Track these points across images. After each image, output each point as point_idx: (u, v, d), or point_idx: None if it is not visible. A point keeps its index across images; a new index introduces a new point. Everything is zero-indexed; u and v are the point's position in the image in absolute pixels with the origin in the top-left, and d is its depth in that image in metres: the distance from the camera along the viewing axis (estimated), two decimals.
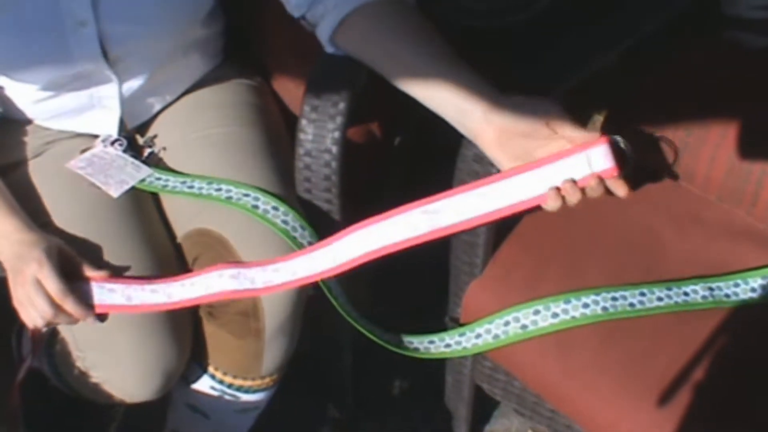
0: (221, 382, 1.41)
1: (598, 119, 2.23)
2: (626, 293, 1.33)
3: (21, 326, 1.52)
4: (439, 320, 1.50)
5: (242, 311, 1.33)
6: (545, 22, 2.01)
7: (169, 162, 1.45)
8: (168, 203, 1.45)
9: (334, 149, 1.31)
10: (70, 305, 1.21)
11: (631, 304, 1.32)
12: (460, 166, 1.31)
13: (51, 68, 1.33)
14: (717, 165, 1.46)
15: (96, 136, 1.46)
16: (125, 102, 1.43)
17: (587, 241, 1.42)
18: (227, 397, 1.43)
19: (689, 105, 1.52)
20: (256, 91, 1.56)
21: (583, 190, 1.14)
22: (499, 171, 1.20)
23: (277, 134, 1.50)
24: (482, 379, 1.55)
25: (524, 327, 1.33)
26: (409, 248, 1.22)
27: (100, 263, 1.28)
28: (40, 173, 1.41)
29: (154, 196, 1.45)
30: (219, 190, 1.35)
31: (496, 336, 1.35)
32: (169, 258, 1.38)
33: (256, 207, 1.33)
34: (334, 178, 1.34)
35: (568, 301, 1.33)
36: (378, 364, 1.86)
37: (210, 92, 1.53)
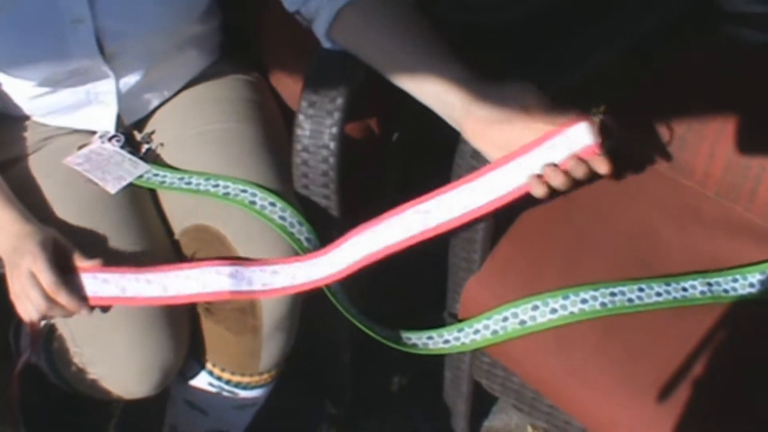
0: (219, 378, 1.41)
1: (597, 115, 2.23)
2: (625, 289, 1.33)
3: (19, 322, 1.52)
4: (438, 316, 1.50)
5: (240, 308, 1.33)
6: (545, 21, 2.01)
7: (167, 158, 1.45)
8: (165, 199, 1.44)
9: (332, 145, 1.31)
10: (62, 298, 1.20)
11: (630, 300, 1.32)
12: (458, 161, 1.31)
13: (48, 64, 1.33)
14: (715, 161, 1.46)
15: (93, 133, 1.46)
16: (122, 98, 1.43)
17: (585, 237, 1.42)
18: (225, 394, 1.42)
19: (688, 101, 1.52)
20: (254, 87, 1.56)
21: (567, 172, 1.14)
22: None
23: (274, 130, 1.50)
24: (481, 374, 1.55)
25: (522, 323, 1.33)
26: (406, 249, 1.22)
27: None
28: (37, 169, 1.41)
29: (152, 193, 1.45)
30: (216, 186, 1.35)
31: (494, 332, 1.35)
32: (167, 254, 1.37)
33: (253, 203, 1.33)
34: (332, 174, 1.34)
35: (566, 297, 1.32)
36: (376, 361, 1.85)
37: (207, 88, 1.53)
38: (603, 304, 1.31)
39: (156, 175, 1.40)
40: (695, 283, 1.34)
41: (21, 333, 1.52)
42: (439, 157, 1.38)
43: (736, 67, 1.56)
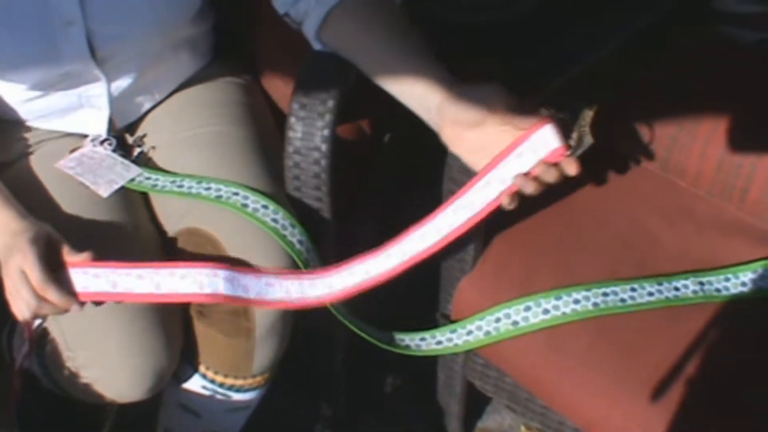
0: (212, 381, 1.41)
1: (589, 114, 2.24)
2: (617, 289, 1.33)
3: (12, 326, 1.52)
4: (431, 317, 1.50)
5: (233, 310, 1.32)
6: (538, 21, 2.01)
7: (159, 161, 1.45)
8: (158, 203, 1.44)
9: (324, 147, 1.31)
10: (50, 294, 1.18)
11: (622, 300, 1.32)
12: (450, 162, 1.31)
13: (39, 67, 1.33)
14: (707, 160, 1.46)
15: (85, 136, 1.46)
16: (114, 101, 1.43)
17: (578, 237, 1.43)
18: (219, 397, 1.42)
19: (680, 101, 1.52)
20: (246, 89, 1.56)
21: (537, 178, 1.13)
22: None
23: (266, 132, 1.50)
24: (474, 375, 1.55)
25: (515, 323, 1.33)
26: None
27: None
28: (29, 173, 1.40)
29: (144, 196, 1.45)
30: (208, 189, 1.35)
31: (487, 332, 1.35)
32: (159, 257, 1.37)
33: (245, 206, 1.32)
34: (324, 176, 1.34)
35: (559, 297, 1.33)
36: (370, 362, 1.85)
37: (199, 91, 1.53)
38: (595, 305, 1.31)
39: (148, 178, 1.40)
40: (687, 282, 1.35)
41: (14, 337, 1.52)
42: (431, 157, 1.38)
43: (728, 66, 1.56)
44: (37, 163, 1.42)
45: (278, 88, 1.59)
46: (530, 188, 1.14)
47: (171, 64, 1.49)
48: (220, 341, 1.36)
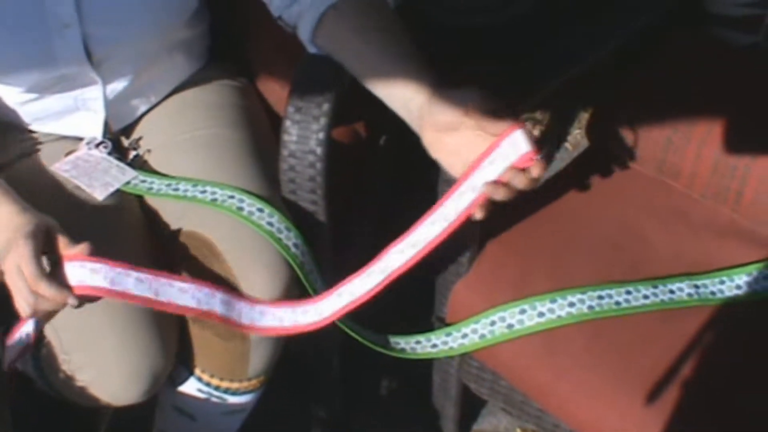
0: (208, 384, 1.40)
1: (584, 116, 2.24)
2: (612, 292, 1.34)
3: (5, 331, 1.51)
4: (426, 320, 1.50)
5: None
6: (533, 23, 2.01)
7: (154, 164, 1.45)
8: (153, 206, 1.44)
9: (319, 150, 1.31)
10: (42, 288, 1.14)
11: (617, 303, 1.33)
12: None
13: (35, 70, 1.33)
14: (702, 162, 1.46)
15: (81, 139, 1.45)
16: (110, 104, 1.43)
17: (573, 240, 1.43)
18: (214, 400, 1.42)
19: (674, 103, 1.52)
20: (242, 92, 1.56)
21: (507, 184, 1.12)
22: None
23: (262, 135, 1.50)
24: (469, 378, 1.55)
25: (510, 326, 1.33)
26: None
27: None
28: (25, 176, 1.40)
29: (140, 199, 1.45)
30: (204, 192, 1.35)
31: (482, 336, 1.36)
32: (155, 261, 1.37)
33: (241, 209, 1.32)
34: (319, 179, 1.34)
35: (554, 300, 1.33)
36: (365, 365, 1.85)
37: (195, 93, 1.53)
38: (590, 308, 1.32)
39: (143, 181, 1.40)
40: (682, 285, 1.35)
41: (4, 341, 1.51)
42: (427, 160, 1.37)
43: (722, 68, 1.57)
44: (32, 166, 1.42)
45: (274, 90, 1.59)
46: (500, 195, 1.12)
47: (166, 67, 1.49)
48: (216, 344, 1.36)
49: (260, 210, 1.33)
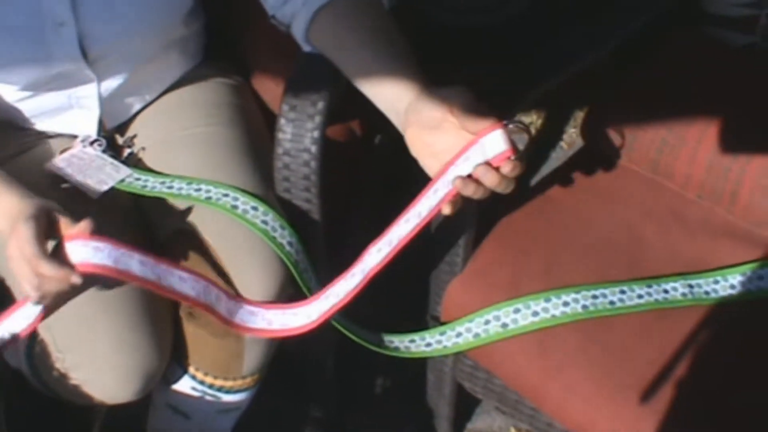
0: (202, 382, 1.40)
1: (579, 115, 2.24)
2: (606, 291, 1.34)
3: None
4: (420, 319, 1.50)
5: None
6: (530, 22, 2.02)
7: (149, 162, 1.45)
8: (147, 204, 1.44)
9: (313, 148, 1.31)
10: (43, 267, 1.12)
11: (612, 302, 1.33)
12: None
13: (31, 68, 1.32)
14: (697, 163, 1.46)
15: (75, 137, 1.45)
16: (104, 102, 1.42)
17: (567, 240, 1.43)
18: (208, 398, 1.42)
19: (670, 103, 1.53)
20: (236, 90, 1.56)
21: (478, 181, 1.10)
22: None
23: (256, 134, 1.50)
24: (463, 377, 1.55)
25: (504, 326, 1.33)
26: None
27: None
28: (19, 174, 1.39)
29: (134, 197, 1.44)
30: (198, 190, 1.35)
31: (476, 335, 1.36)
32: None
33: (235, 207, 1.32)
34: (314, 178, 1.34)
35: (548, 300, 1.33)
36: (359, 364, 1.85)
37: (189, 92, 1.53)
38: (585, 307, 1.32)
39: (138, 179, 1.40)
40: (676, 285, 1.35)
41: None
42: None
43: (718, 69, 1.57)
44: (26, 163, 1.41)
45: (268, 89, 1.59)
46: (469, 191, 1.10)
47: (161, 65, 1.49)
48: (210, 342, 1.36)
49: (254, 208, 1.33)
